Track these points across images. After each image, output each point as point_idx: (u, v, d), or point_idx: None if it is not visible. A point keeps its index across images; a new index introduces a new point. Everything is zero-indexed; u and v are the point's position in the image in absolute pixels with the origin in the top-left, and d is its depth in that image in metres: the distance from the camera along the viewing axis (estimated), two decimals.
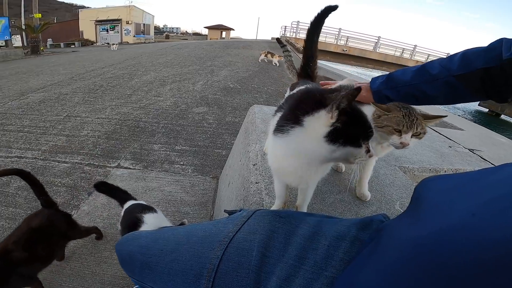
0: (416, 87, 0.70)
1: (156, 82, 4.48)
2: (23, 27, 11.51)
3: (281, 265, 0.43)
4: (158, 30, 54.49)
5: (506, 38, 0.57)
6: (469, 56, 0.62)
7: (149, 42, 20.84)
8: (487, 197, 0.27)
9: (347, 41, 18.55)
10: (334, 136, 0.48)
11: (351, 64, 18.26)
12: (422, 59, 19.44)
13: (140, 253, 0.60)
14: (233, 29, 34.63)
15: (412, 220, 0.35)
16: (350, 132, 0.49)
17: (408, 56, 19.39)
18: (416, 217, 0.34)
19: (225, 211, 0.65)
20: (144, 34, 24.14)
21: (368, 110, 0.71)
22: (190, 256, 0.52)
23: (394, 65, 18.38)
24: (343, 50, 18.07)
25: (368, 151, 0.51)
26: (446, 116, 0.73)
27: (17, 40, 12.88)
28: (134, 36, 22.62)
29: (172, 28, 75.44)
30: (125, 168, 1.98)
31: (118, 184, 1.80)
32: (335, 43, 18.09)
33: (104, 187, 1.30)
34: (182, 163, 2.06)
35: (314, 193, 0.82)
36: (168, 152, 2.21)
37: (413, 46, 19.43)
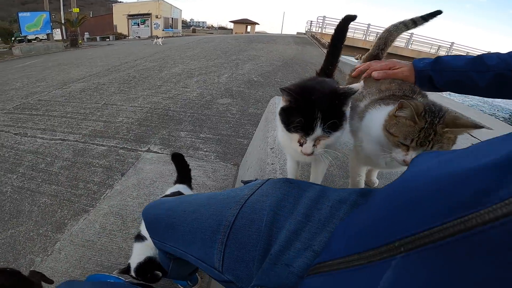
0: (466, 74, 0.70)
1: (183, 74, 4.67)
2: (63, 21, 12.12)
3: (290, 221, 0.50)
4: (185, 24, 55.51)
5: None
6: None
7: (177, 36, 21.38)
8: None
9: (377, 37, 17.92)
10: (281, 116, 0.58)
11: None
12: None
13: (166, 215, 0.66)
14: (258, 24, 34.46)
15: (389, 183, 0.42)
16: (286, 116, 0.57)
17: (444, 53, 18.30)
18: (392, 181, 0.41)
19: (242, 181, 0.73)
20: (172, 28, 24.74)
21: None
22: (209, 215, 0.58)
23: None
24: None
25: (301, 144, 0.59)
26: (483, 127, 0.58)
27: (57, 34, 13.68)
28: (163, 30, 23.25)
29: (199, 22, 76.59)
30: (154, 152, 2.14)
31: (147, 167, 1.98)
32: (363, 39, 17.55)
33: (178, 159, 1.28)
34: (205, 150, 2.19)
35: (324, 177, 0.89)
36: (193, 139, 2.35)
37: (450, 43, 18.30)
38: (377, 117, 0.63)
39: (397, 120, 0.59)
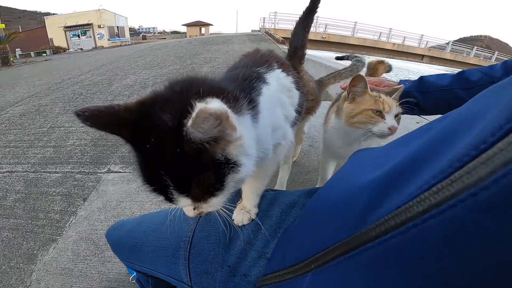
0: (452, 92, 0.68)
1: (136, 85, 4.47)
2: None
3: (244, 231, 0.52)
4: (134, 32, 53.03)
5: None
6: (510, 65, 0.63)
7: (125, 45, 20.31)
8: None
9: (326, 28, 18.94)
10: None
11: (332, 50, 18.63)
12: (398, 41, 20.18)
13: (127, 237, 0.67)
14: (212, 25, 34.40)
15: None
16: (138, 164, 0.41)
17: (385, 39, 19.97)
18: None
19: None
20: (119, 37, 23.53)
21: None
22: (169, 233, 0.59)
23: (373, 48, 18.98)
24: (323, 37, 18.38)
25: None
26: (402, 86, 0.71)
27: None
28: (109, 39, 22.03)
29: (149, 29, 73.73)
30: (116, 172, 2.04)
31: (111, 189, 1.89)
32: (314, 30, 18.47)
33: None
34: None
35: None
36: None
37: (389, 29, 20.06)
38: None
39: (355, 101, 0.66)
